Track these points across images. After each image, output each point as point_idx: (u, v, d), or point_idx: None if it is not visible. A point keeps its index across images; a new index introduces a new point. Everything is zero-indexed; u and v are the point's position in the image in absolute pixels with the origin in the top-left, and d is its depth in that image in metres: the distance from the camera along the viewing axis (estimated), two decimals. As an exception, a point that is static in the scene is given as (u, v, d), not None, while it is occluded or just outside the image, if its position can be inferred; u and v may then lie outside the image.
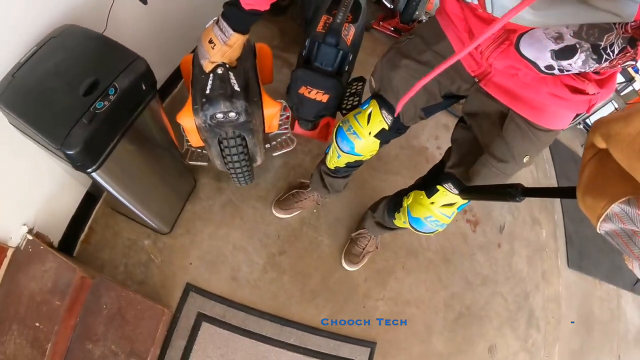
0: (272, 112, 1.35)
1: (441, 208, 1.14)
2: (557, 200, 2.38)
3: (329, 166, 1.46)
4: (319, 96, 1.64)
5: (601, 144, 0.54)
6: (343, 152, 1.26)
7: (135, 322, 1.50)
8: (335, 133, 1.26)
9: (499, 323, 1.91)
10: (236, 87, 1.17)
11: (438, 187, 1.12)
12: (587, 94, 0.88)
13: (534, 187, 0.78)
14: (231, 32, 1.01)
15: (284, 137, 1.79)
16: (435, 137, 2.32)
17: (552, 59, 0.77)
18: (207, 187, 1.86)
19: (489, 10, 0.74)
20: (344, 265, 1.84)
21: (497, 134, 1.02)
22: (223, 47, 1.03)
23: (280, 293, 1.74)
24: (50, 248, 1.41)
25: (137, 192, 1.43)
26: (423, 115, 1.19)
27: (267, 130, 1.46)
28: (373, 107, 1.16)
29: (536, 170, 2.53)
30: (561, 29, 0.72)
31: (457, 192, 1.09)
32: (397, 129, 1.22)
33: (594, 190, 0.55)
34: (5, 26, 0.98)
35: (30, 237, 1.37)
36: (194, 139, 1.38)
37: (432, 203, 1.14)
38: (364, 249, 1.81)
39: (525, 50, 0.80)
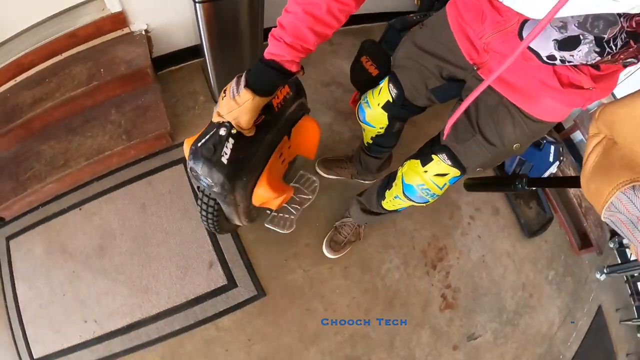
0: (267, 196, 1.23)
1: (434, 177, 1.18)
2: None
3: (363, 142, 1.63)
4: (371, 69, 1.87)
5: (605, 131, 0.55)
6: (360, 121, 1.42)
7: (149, 119, 1.93)
8: (358, 107, 1.42)
9: None
10: (224, 159, 1.06)
11: (432, 156, 1.16)
12: (582, 87, 0.88)
13: (538, 177, 0.77)
14: (242, 87, 0.90)
15: (290, 217, 1.82)
16: (476, 209, 2.21)
17: (555, 49, 0.76)
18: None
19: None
20: (325, 252, 1.86)
21: (490, 119, 1.04)
22: (230, 101, 0.92)
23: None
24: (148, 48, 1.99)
25: (219, 52, 1.85)
26: (434, 99, 1.22)
27: (262, 206, 1.32)
28: (384, 82, 1.28)
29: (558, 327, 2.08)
30: (566, 19, 0.71)
31: (450, 163, 1.13)
32: (402, 104, 1.26)
33: (598, 178, 0.55)
34: None
35: (142, 32, 1.97)
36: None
37: (426, 172, 1.18)
38: (346, 237, 1.85)
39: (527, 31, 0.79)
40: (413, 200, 1.27)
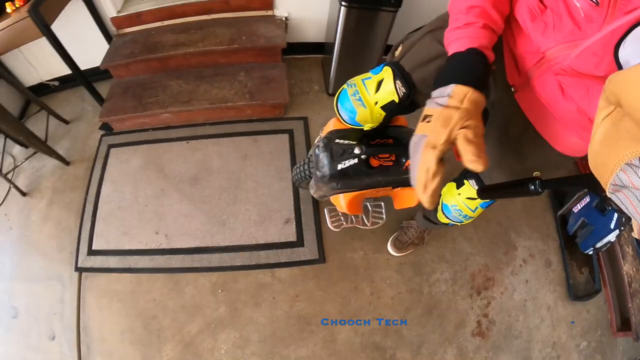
0: (339, 207, 1.32)
1: (466, 200, 1.26)
2: None
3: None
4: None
5: (614, 102, 0.52)
6: (342, 119, 1.12)
7: (272, 89, 2.24)
8: (338, 96, 1.11)
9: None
10: (339, 167, 1.14)
11: (465, 181, 1.25)
12: None
13: (552, 179, 0.73)
14: (448, 89, 0.72)
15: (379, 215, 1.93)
16: (532, 255, 2.32)
17: None
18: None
19: None
20: (389, 248, 2.02)
21: (515, 141, 1.05)
22: (442, 111, 0.70)
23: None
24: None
25: (344, 53, 2.15)
26: None
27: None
28: (386, 75, 1.04)
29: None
30: None
31: (477, 187, 1.20)
32: (407, 105, 1.07)
33: (606, 151, 0.53)
34: None
35: (283, 18, 2.32)
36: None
37: (459, 194, 1.27)
38: (410, 239, 1.99)
39: (627, 50, 0.64)
40: (449, 219, 1.33)
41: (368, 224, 1.90)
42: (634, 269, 2.20)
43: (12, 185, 2.07)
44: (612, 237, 2.04)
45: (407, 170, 1.16)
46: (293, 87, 2.43)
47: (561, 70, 0.81)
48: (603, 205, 2.03)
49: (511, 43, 0.93)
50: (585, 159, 0.65)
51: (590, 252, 2.14)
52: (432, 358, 1.90)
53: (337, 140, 1.14)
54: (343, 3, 1.89)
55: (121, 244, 1.93)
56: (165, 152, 2.16)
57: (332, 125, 1.23)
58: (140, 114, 2.13)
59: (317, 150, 1.17)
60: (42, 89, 2.49)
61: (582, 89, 0.81)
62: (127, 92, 2.19)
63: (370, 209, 1.97)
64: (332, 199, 1.34)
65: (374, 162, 1.15)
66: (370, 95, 1.05)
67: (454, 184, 1.30)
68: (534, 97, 0.95)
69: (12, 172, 2.15)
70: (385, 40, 2.15)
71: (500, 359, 1.99)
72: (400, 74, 1.01)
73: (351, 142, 1.13)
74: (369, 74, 1.06)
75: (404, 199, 1.34)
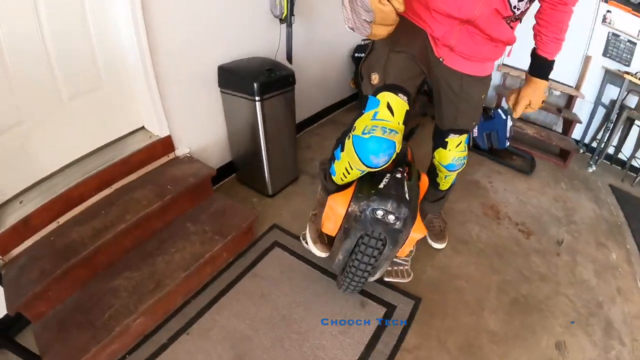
0: (417, 236, 1.36)
1: (456, 149, 1.58)
2: (629, 232, 2.38)
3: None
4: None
5: None
6: (375, 165, 1.16)
7: (230, 216, 1.93)
8: (363, 147, 1.13)
9: (566, 322, 1.68)
10: (407, 196, 1.20)
11: (446, 140, 1.55)
12: (506, 43, 1.27)
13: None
14: None
15: (403, 267, 1.76)
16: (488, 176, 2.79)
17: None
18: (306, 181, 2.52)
19: None
20: (435, 245, 2.04)
21: (462, 94, 1.41)
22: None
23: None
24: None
25: (271, 146, 2.14)
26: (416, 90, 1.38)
27: (399, 253, 1.44)
28: (388, 99, 1.17)
29: (599, 208, 2.62)
30: None
31: (458, 135, 1.54)
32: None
33: None
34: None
35: (187, 155, 2.11)
36: (330, 225, 1.43)
37: (449, 150, 1.58)
38: (440, 226, 2.08)
39: None
40: (457, 170, 1.66)
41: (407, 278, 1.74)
42: (533, 130, 3.19)
43: None
44: (509, 122, 2.68)
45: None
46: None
47: (470, 25, 1.18)
48: (487, 114, 2.73)
49: (430, 30, 1.25)
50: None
51: (508, 144, 2.76)
52: None
53: (380, 186, 1.23)
54: (257, 98, 1.92)
55: None
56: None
57: (337, 202, 1.32)
58: (106, 342, 1.42)
59: (381, 207, 1.21)
60: None
61: (493, 25, 1.18)
62: (65, 326, 1.42)
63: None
64: (410, 240, 1.36)
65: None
66: (393, 120, 1.15)
67: (440, 150, 1.61)
68: (456, 56, 1.29)
69: None
70: (294, 116, 2.26)
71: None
72: (397, 89, 1.19)
73: (386, 176, 1.26)
74: (371, 112, 1.17)
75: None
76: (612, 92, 3.06)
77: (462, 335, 1.63)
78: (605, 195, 2.83)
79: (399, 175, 1.23)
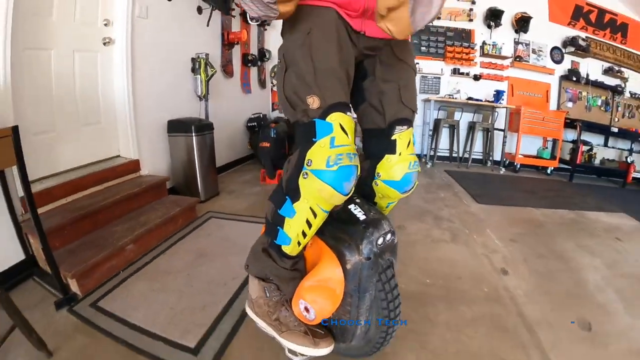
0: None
1: (408, 150, 1.25)
2: (456, 184, 3.92)
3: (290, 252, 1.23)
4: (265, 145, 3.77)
5: None
6: (348, 193, 1.06)
7: (181, 201, 3.02)
8: (333, 178, 1.02)
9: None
10: (375, 208, 1.15)
11: (393, 137, 1.22)
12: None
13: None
14: None
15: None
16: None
17: None
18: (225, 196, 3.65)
19: None
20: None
21: (398, 66, 1.27)
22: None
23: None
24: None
25: (201, 165, 3.38)
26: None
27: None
28: (340, 120, 1.04)
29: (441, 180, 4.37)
30: None
31: (408, 125, 1.26)
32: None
33: None
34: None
35: (147, 174, 3.23)
36: (328, 306, 1.17)
37: (400, 154, 1.23)
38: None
39: None
40: (412, 188, 1.28)
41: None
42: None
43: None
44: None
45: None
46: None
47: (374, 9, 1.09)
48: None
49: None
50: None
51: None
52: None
53: (363, 218, 1.16)
54: (194, 135, 3.28)
55: None
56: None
57: (331, 275, 1.14)
58: (106, 254, 2.15)
59: (379, 229, 1.13)
60: None
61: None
62: (76, 251, 2.13)
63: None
64: None
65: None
66: (350, 143, 1.06)
67: (387, 157, 1.26)
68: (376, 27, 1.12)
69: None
70: (214, 151, 3.62)
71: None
72: (344, 107, 1.06)
73: (353, 211, 1.16)
74: (326, 139, 1.04)
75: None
76: (431, 114, 5.71)
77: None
78: (442, 175, 5.00)
79: (358, 200, 1.17)
